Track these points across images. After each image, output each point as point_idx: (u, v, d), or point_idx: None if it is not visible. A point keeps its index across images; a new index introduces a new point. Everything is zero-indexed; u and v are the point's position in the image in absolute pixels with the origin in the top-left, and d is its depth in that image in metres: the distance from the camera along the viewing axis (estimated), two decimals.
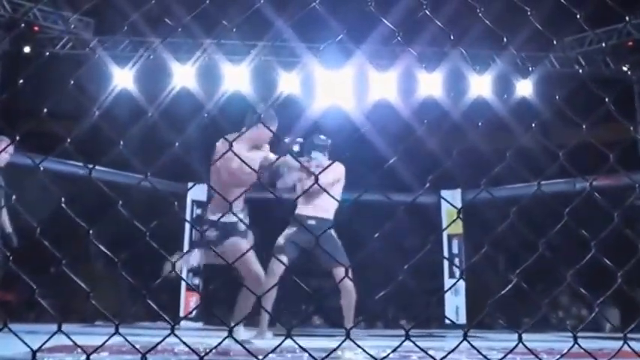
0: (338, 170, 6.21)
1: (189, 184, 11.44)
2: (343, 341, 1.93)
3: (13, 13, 11.10)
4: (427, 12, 2.15)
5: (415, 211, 10.45)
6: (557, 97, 2.13)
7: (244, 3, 2.10)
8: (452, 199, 10.81)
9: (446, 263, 11.82)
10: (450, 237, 12.04)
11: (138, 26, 9.82)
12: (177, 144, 2.00)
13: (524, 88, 11.58)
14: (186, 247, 11.55)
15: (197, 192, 11.73)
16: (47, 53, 11.44)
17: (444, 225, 11.90)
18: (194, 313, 11.65)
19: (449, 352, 1.99)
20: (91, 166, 2.14)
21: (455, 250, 12.01)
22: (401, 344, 2.00)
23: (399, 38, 2.14)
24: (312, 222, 6.11)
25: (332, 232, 5.97)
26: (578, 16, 2.32)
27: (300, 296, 11.72)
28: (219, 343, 2.01)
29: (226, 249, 5.06)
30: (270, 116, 5.46)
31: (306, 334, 7.61)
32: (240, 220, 5.28)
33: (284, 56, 11.72)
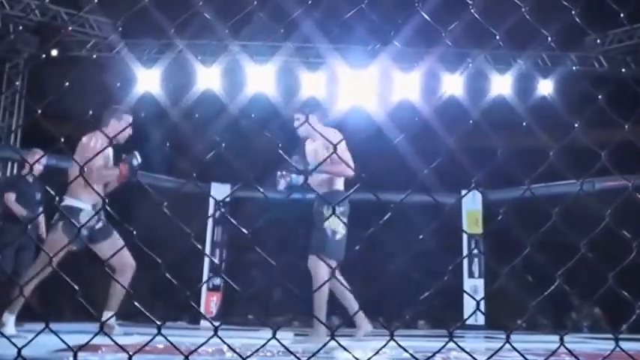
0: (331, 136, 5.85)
1: (213, 184, 11.55)
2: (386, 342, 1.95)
3: (42, 17, 11.26)
4: (473, 12, 2.18)
5: (435, 212, 10.46)
6: (599, 97, 2.13)
7: (269, 4, 2.16)
8: (472, 200, 10.85)
9: (465, 263, 11.83)
10: (470, 237, 12.05)
11: (163, 28, 9.92)
12: (223, 145, 2.06)
13: (545, 87, 11.58)
14: (208, 247, 11.64)
15: (220, 191, 11.79)
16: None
17: (465, 225, 11.91)
18: (214, 312, 11.72)
19: (494, 354, 2.00)
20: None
21: (475, 251, 12.00)
22: (444, 345, 2.02)
23: (446, 40, 2.17)
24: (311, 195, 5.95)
25: (324, 209, 5.69)
26: (616, 15, 2.35)
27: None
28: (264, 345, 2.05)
29: None
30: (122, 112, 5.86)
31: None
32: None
33: (309, 57, 11.78)
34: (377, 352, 1.99)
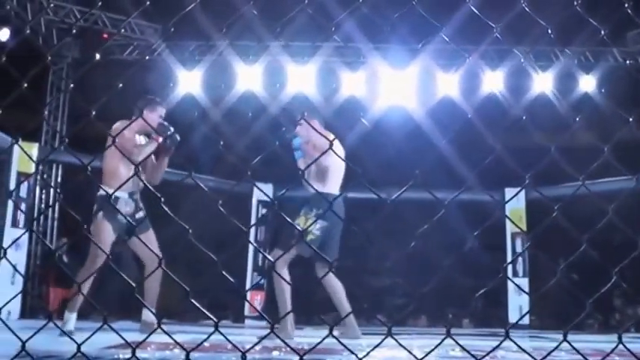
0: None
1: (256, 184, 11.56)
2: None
3: (84, 21, 11.43)
4: (526, 8, 2.16)
5: (478, 210, 10.37)
6: None
7: (311, 4, 2.16)
8: (515, 198, 10.70)
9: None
10: (514, 235, 11.92)
11: (204, 30, 9.99)
12: (276, 143, 2.08)
13: (587, 83, 11.42)
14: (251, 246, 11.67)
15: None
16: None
17: (508, 224, 11.78)
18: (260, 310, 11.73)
19: (549, 353, 1.98)
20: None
21: (518, 249, 11.87)
22: (500, 344, 2.01)
23: (497, 35, 2.16)
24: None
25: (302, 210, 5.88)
26: None
27: (362, 294, 11.77)
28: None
29: None
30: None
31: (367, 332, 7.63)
32: None
33: (348, 56, 11.78)
34: (434, 348, 1.98)
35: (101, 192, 5.63)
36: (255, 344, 2.09)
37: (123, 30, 11.80)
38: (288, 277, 5.71)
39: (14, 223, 9.38)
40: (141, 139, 5.89)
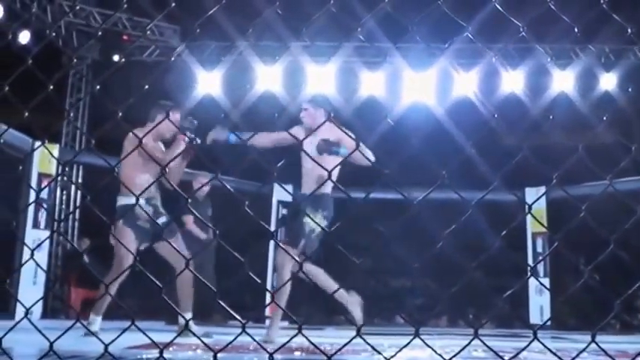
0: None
1: (275, 185, 11.58)
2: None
3: (104, 24, 11.49)
4: (552, 6, 2.14)
5: (498, 210, 10.33)
6: None
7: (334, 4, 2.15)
8: (536, 198, 10.63)
9: (530, 262, 11.63)
10: (535, 235, 11.86)
11: (223, 30, 10.02)
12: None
13: (608, 82, 11.32)
14: (272, 248, 11.67)
15: (282, 192, 11.80)
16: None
17: (529, 224, 11.73)
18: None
19: (579, 354, 1.97)
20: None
21: (539, 249, 11.81)
22: (528, 344, 1.99)
23: (523, 34, 2.15)
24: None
25: (310, 211, 5.55)
26: None
27: (382, 295, 11.76)
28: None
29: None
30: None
31: (387, 332, 7.63)
32: None
33: (368, 56, 11.77)
34: (462, 349, 1.97)
35: (119, 202, 5.67)
36: (284, 344, 2.09)
37: (142, 32, 11.85)
38: (289, 276, 5.62)
39: (35, 224, 9.44)
40: (160, 145, 5.89)
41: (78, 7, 11.20)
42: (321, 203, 5.58)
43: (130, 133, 5.40)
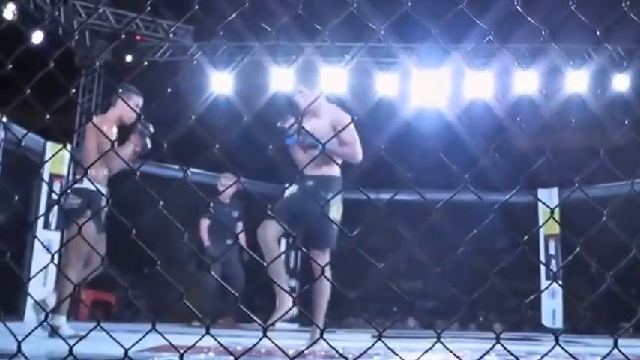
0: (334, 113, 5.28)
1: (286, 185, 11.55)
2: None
3: (117, 23, 11.50)
4: (573, 8, 2.11)
5: (510, 212, 10.27)
6: None
7: (341, 4, 2.13)
8: (549, 199, 10.57)
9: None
10: (547, 237, 11.79)
11: (236, 30, 10.01)
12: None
13: (621, 82, 11.24)
14: (283, 248, 11.64)
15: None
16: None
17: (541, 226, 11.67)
18: (289, 314, 11.66)
19: (603, 358, 1.94)
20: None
21: (552, 252, 11.74)
22: (552, 348, 1.96)
23: (544, 34, 2.12)
24: (309, 182, 5.10)
25: (328, 196, 4.92)
26: None
27: (392, 297, 11.72)
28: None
29: None
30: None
31: (399, 335, 7.59)
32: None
33: (380, 57, 11.73)
34: (485, 354, 1.94)
35: (87, 185, 5.28)
36: (305, 349, 2.07)
37: (155, 32, 11.87)
38: (277, 248, 5.11)
39: (46, 225, 9.44)
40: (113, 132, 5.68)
41: (91, 8, 11.20)
42: (334, 187, 5.07)
43: (95, 119, 5.54)
